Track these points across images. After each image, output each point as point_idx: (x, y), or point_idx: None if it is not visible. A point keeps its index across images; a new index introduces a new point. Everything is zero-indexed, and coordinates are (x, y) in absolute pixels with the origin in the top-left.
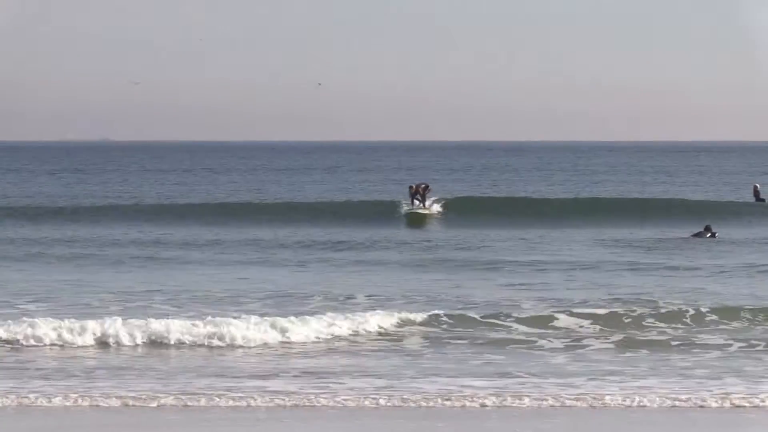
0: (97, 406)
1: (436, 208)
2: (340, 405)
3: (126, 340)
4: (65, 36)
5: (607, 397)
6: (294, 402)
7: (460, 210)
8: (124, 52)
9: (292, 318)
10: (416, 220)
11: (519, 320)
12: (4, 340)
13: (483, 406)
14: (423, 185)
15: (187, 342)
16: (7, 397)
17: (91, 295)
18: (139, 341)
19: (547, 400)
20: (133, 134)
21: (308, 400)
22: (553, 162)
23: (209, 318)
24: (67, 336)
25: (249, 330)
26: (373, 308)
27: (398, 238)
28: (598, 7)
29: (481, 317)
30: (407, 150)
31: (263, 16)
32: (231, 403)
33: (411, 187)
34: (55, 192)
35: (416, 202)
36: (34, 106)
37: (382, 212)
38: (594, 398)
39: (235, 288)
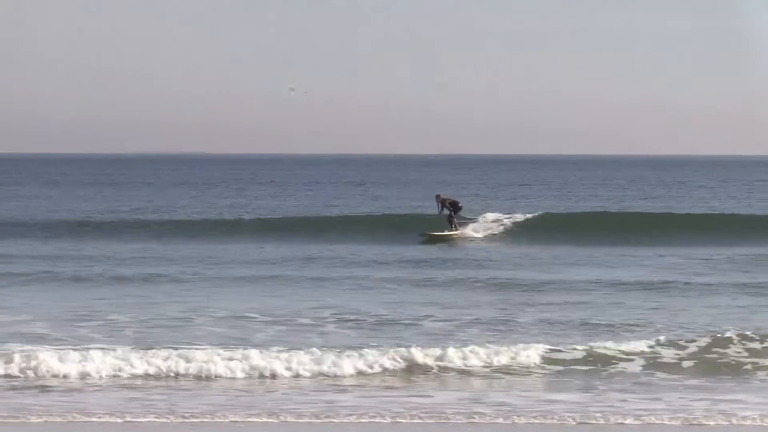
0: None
1: (484, 230)
2: None
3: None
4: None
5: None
6: None
7: (542, 227)
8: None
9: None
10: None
11: None
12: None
13: None
14: (450, 200)
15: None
16: None
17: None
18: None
19: None
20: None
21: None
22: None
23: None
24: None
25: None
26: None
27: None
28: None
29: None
30: (444, 165)
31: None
32: None
33: (438, 196)
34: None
35: (446, 213)
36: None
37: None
38: None
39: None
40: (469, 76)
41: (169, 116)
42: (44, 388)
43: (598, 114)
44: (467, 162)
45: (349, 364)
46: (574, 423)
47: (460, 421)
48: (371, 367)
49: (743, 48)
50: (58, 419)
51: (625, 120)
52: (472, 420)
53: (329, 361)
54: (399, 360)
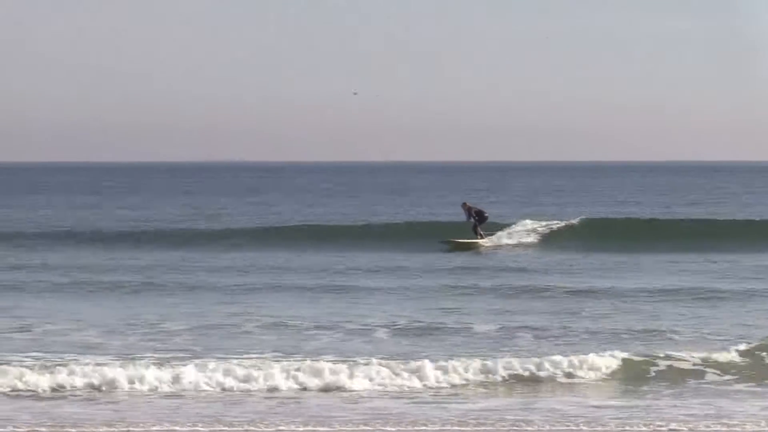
0: None
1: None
2: None
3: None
4: None
5: None
6: None
7: (583, 233)
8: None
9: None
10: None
11: None
12: None
13: None
14: (476, 209)
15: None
16: None
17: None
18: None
19: None
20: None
21: None
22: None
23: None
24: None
25: None
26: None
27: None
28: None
29: None
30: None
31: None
32: None
33: (464, 204)
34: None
35: (471, 222)
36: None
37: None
38: None
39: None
40: (469, 76)
41: (169, 118)
42: (91, 399)
43: (598, 115)
44: (472, 169)
45: (421, 379)
46: (619, 429)
47: (506, 428)
48: (448, 382)
49: (743, 48)
50: (106, 428)
51: (625, 121)
52: (520, 427)
53: (404, 375)
54: (469, 372)
